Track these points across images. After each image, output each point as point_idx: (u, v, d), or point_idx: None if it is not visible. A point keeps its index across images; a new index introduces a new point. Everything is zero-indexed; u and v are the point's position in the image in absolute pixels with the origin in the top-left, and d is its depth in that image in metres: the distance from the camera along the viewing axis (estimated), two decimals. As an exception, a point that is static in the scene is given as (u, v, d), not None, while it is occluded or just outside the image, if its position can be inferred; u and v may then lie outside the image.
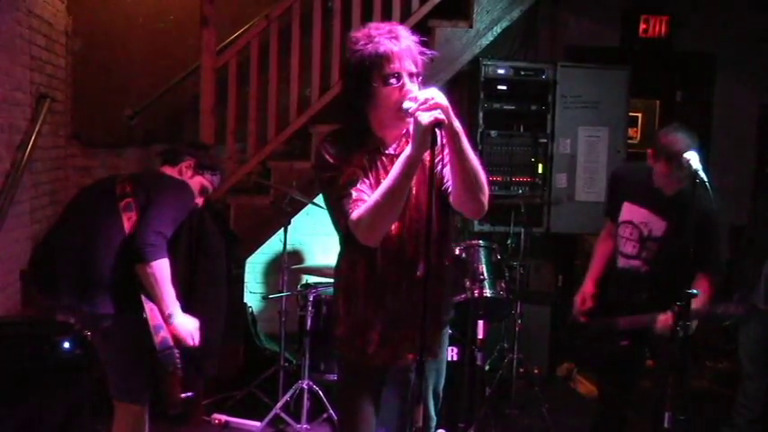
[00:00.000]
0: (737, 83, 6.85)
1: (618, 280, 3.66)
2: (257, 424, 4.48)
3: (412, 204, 2.43)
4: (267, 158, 5.17)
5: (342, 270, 2.63)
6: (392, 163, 2.42)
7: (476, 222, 5.73)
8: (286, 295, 4.78)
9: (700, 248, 3.19)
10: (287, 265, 4.90)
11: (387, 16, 5.05)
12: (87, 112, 5.73)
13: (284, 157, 5.29)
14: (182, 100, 5.68)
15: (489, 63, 5.90)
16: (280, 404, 4.47)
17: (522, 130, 6.02)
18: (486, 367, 4.99)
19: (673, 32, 6.47)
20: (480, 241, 4.65)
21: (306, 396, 4.43)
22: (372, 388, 2.62)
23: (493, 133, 5.94)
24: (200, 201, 3.58)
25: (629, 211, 3.61)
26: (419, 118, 2.17)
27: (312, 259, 5.66)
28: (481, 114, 5.92)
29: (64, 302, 3.25)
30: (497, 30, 5.47)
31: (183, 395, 3.26)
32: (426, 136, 2.16)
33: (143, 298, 3.18)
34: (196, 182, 3.57)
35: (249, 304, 5.66)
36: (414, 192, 2.43)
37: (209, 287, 3.62)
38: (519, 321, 5.05)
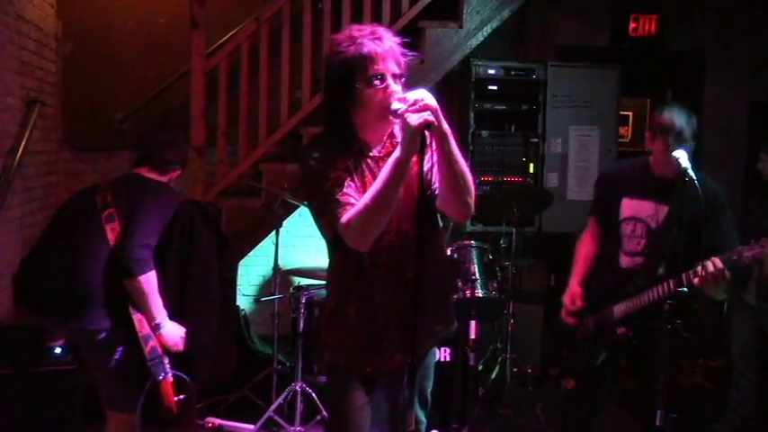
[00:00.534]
0: (727, 81, 6.87)
1: (619, 280, 3.47)
2: (251, 427, 4.47)
3: (399, 208, 2.40)
4: (258, 161, 5.16)
5: (331, 276, 2.62)
6: (377, 165, 2.41)
7: (468, 223, 5.74)
8: (278, 298, 4.78)
9: (710, 236, 3.21)
10: (279, 268, 4.90)
11: (376, 18, 5.05)
12: (78, 116, 5.72)
13: (275, 159, 5.28)
14: (173, 103, 5.67)
15: (480, 63, 5.93)
16: (273, 407, 4.46)
17: (513, 129, 6.05)
18: (480, 367, 5.01)
19: (662, 31, 6.50)
20: (472, 242, 4.65)
21: (299, 398, 4.42)
22: (363, 393, 2.60)
23: (484, 133, 5.96)
24: None
25: (631, 207, 3.45)
26: (408, 120, 2.15)
27: (304, 261, 5.65)
28: (472, 115, 5.94)
29: (50, 321, 3.25)
30: (487, 30, 5.48)
31: (175, 399, 3.28)
32: (416, 138, 2.14)
33: (131, 309, 3.20)
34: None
35: (242, 307, 5.66)
36: (401, 195, 2.39)
37: (200, 291, 3.63)
38: (512, 321, 5.07)
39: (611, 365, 3.52)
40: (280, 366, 4.77)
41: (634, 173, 3.50)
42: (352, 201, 2.34)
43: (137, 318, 3.21)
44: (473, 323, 4.24)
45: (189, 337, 3.40)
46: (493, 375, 5.11)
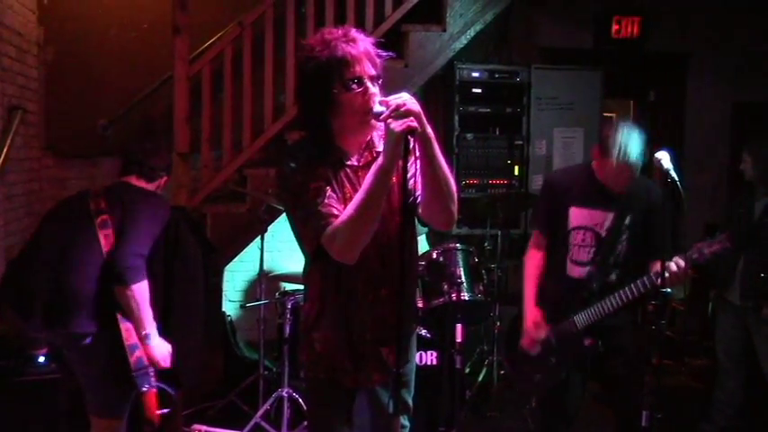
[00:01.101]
0: (710, 82, 6.93)
1: (570, 290, 3.42)
2: (238, 433, 4.46)
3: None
4: (243, 166, 5.14)
5: (307, 289, 2.58)
6: (356, 175, 2.37)
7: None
8: (264, 303, 4.76)
9: (653, 238, 3.31)
10: (265, 273, 4.88)
11: (360, 22, 5.05)
12: (61, 122, 5.67)
13: (260, 164, 5.26)
14: (156, 109, 5.64)
15: (464, 66, 5.94)
16: (260, 413, 4.45)
17: (497, 132, 6.08)
18: (467, 370, 5.01)
19: (644, 33, 6.54)
20: (458, 244, 4.65)
21: (286, 404, 4.41)
22: (343, 405, 2.57)
23: (469, 136, 5.97)
24: None
25: (579, 216, 3.40)
26: (391, 125, 2.11)
27: (290, 266, 5.64)
28: (457, 118, 5.95)
29: (36, 325, 3.22)
30: (471, 33, 5.50)
31: (158, 412, 3.26)
32: (399, 144, 2.10)
33: (119, 317, 3.18)
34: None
35: (228, 313, 5.64)
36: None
37: (186, 297, 3.61)
38: (498, 323, 5.07)
39: (579, 376, 3.46)
40: (266, 372, 4.75)
41: (580, 181, 3.43)
42: (335, 212, 2.28)
43: (124, 326, 3.19)
44: (459, 326, 4.22)
45: (174, 347, 3.38)
46: (480, 378, 5.13)
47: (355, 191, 2.32)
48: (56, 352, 3.63)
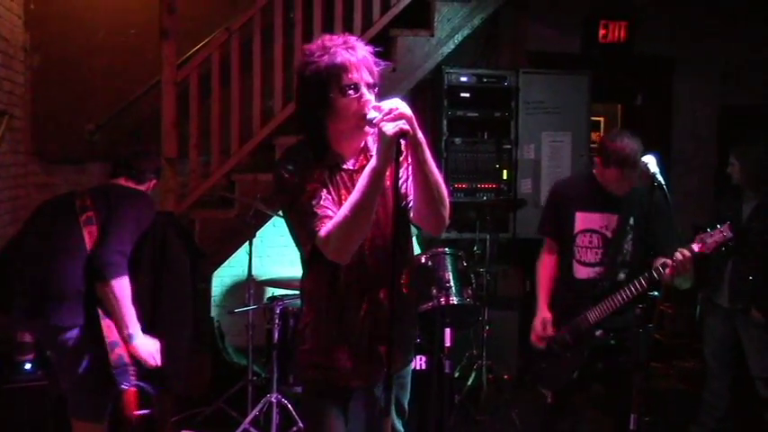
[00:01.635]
0: (697, 85, 6.97)
1: (579, 292, 3.61)
2: (227, 439, 4.44)
3: (372, 220, 2.35)
4: (231, 171, 5.14)
5: (305, 291, 2.60)
6: (351, 179, 2.40)
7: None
8: (253, 309, 4.75)
9: (658, 235, 3.48)
10: (253, 278, 4.87)
11: (348, 27, 5.06)
12: (48, 128, 5.65)
13: (248, 169, 5.26)
14: (144, 114, 5.63)
15: (452, 71, 5.95)
16: (249, 419, 4.42)
17: (486, 136, 6.08)
18: (456, 374, 5.00)
19: (632, 37, 6.57)
20: (446, 249, 4.63)
21: (275, 409, 4.39)
22: (339, 405, 2.57)
23: (457, 140, 5.97)
24: None
25: (585, 220, 3.62)
26: (384, 129, 2.14)
27: (278, 272, 5.63)
28: (445, 122, 5.96)
29: (18, 317, 3.21)
30: (459, 38, 5.51)
31: (137, 413, 3.25)
32: (391, 147, 2.14)
33: (100, 313, 3.18)
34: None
35: (216, 318, 5.61)
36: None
37: (173, 303, 3.61)
38: (487, 328, 5.08)
39: (587, 373, 3.60)
40: (255, 378, 4.73)
41: (584, 188, 3.68)
42: (330, 213, 2.31)
43: (105, 323, 3.19)
44: (448, 330, 4.22)
45: (162, 350, 3.37)
46: (469, 382, 5.13)
47: (350, 194, 2.35)
48: (42, 355, 3.62)
